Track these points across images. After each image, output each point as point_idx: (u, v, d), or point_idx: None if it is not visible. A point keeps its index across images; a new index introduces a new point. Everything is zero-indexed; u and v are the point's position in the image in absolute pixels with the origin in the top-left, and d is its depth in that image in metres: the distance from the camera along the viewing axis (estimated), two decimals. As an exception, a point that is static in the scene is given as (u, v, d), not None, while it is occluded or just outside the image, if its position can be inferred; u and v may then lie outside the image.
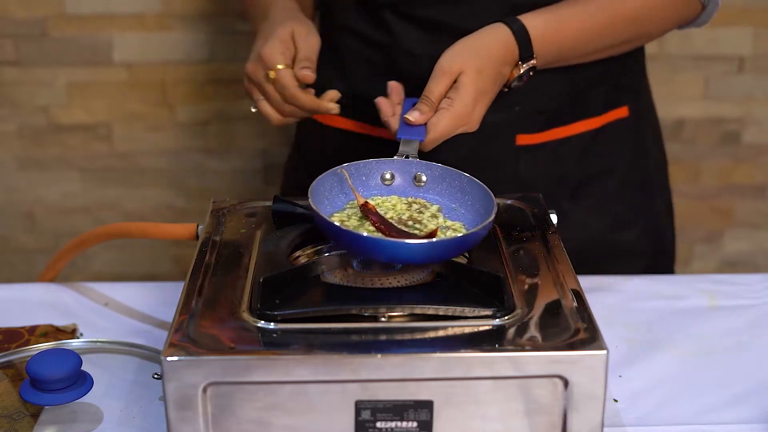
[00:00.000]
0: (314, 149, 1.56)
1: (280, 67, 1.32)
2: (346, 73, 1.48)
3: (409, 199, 1.17)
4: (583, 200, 1.48)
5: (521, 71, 1.28)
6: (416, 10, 1.38)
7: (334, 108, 1.34)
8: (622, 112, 1.49)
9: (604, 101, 1.46)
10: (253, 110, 1.38)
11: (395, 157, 1.18)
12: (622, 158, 1.50)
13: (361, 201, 1.13)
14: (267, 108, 1.36)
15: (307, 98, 1.33)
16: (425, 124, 1.21)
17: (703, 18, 1.41)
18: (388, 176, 1.18)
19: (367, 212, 1.11)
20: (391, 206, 1.15)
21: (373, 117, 1.46)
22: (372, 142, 1.46)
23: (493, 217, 1.07)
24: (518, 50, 1.27)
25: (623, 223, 1.52)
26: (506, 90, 1.30)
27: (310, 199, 1.08)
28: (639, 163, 1.52)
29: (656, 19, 1.37)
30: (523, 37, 1.27)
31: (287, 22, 1.37)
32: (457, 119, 1.21)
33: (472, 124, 1.24)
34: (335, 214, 1.13)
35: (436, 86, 1.22)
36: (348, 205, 1.15)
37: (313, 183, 1.12)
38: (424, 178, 1.17)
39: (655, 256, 1.57)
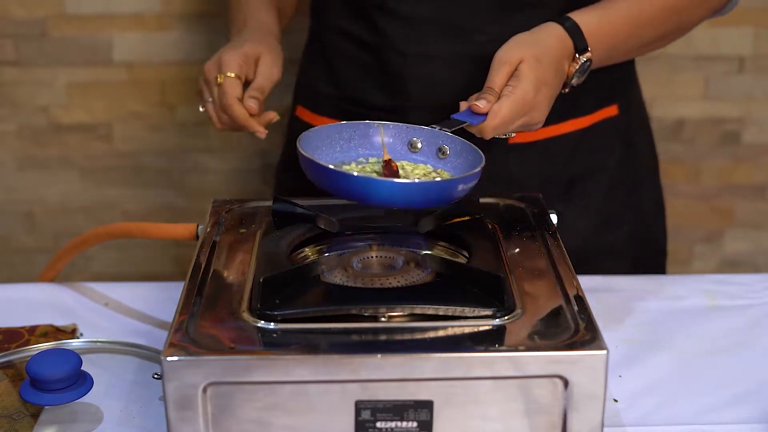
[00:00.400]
0: None
1: (230, 74, 1.33)
2: (335, 74, 1.48)
3: (433, 169, 1.18)
4: (573, 199, 1.48)
5: (578, 65, 1.28)
6: (403, 6, 1.38)
7: (261, 132, 1.34)
8: (611, 110, 1.49)
9: (594, 100, 1.46)
10: (201, 110, 1.39)
11: (429, 127, 1.18)
12: (612, 157, 1.50)
13: (387, 157, 1.14)
14: (211, 110, 1.37)
15: (241, 112, 1.32)
16: (486, 113, 1.20)
17: (730, 6, 1.42)
18: (419, 144, 1.19)
19: (386, 168, 1.12)
20: (411, 169, 1.17)
21: (362, 117, 1.46)
22: None
23: (473, 171, 1.08)
24: (572, 43, 1.27)
25: (611, 223, 1.52)
26: (566, 90, 1.30)
27: (303, 137, 1.11)
28: (628, 161, 1.53)
29: (696, 8, 1.38)
30: (575, 31, 1.27)
31: (260, 46, 1.38)
32: (519, 105, 1.20)
33: (536, 115, 1.23)
34: (350, 164, 1.16)
35: (497, 76, 1.21)
36: (363, 160, 1.17)
37: (323, 126, 1.16)
38: (447, 151, 1.18)
39: (644, 255, 1.57)
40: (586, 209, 1.49)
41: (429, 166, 1.18)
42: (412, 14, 1.38)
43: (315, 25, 1.54)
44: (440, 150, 1.18)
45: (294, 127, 1.58)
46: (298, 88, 1.59)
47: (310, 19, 1.56)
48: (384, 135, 1.19)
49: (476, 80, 1.36)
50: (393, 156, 1.18)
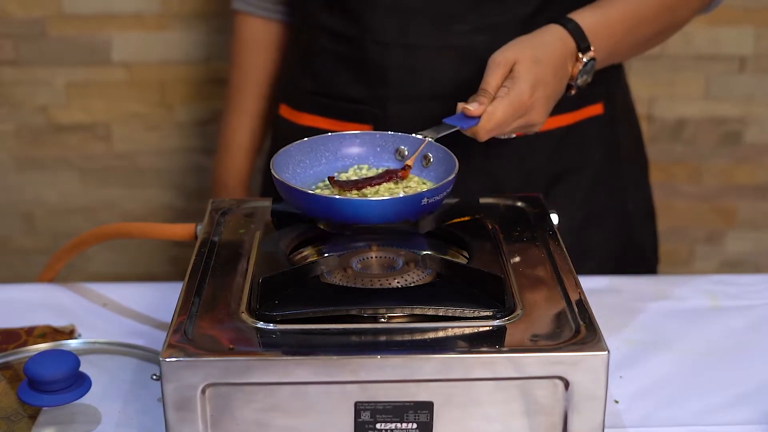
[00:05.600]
0: None
1: None
2: (313, 69, 1.48)
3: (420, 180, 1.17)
4: (554, 197, 1.47)
5: (582, 65, 1.27)
6: None
7: None
8: (596, 108, 1.48)
9: (578, 97, 1.45)
10: None
11: (416, 134, 1.17)
12: (595, 156, 1.50)
13: (410, 162, 1.15)
14: None
15: None
16: (479, 116, 1.18)
17: (714, 4, 1.42)
18: (406, 153, 1.17)
19: (390, 173, 1.13)
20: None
21: (343, 112, 1.46)
22: None
23: (440, 184, 1.08)
24: (574, 42, 1.26)
25: (593, 223, 1.51)
26: (573, 92, 1.29)
27: (281, 153, 1.13)
28: (612, 161, 1.52)
29: (686, 4, 1.38)
30: (577, 31, 1.27)
31: None
32: (515, 107, 1.18)
33: (534, 116, 1.22)
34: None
35: (492, 78, 1.19)
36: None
37: (305, 140, 1.17)
38: (431, 159, 1.17)
39: (628, 258, 1.55)
40: (568, 207, 1.48)
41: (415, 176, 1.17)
42: (393, 3, 1.38)
43: (294, 23, 1.54)
44: (425, 158, 1.17)
45: (278, 126, 1.59)
46: (281, 86, 1.60)
47: (290, 17, 1.56)
48: (371, 144, 1.18)
49: (458, 70, 1.36)
50: (377, 163, 1.18)
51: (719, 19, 1.48)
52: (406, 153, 1.18)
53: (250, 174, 1.69)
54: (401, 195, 1.11)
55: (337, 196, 1.08)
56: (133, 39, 2.04)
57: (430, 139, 1.16)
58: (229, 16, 1.64)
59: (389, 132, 1.19)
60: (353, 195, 1.11)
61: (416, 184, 1.16)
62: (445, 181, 1.09)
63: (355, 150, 1.18)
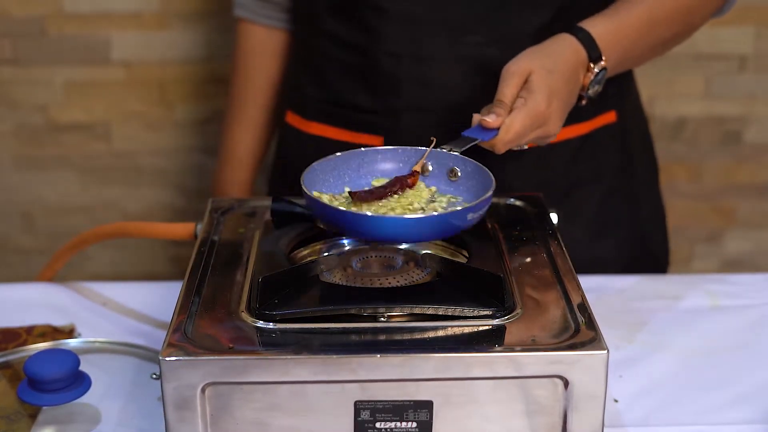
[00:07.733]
0: (294, 157, 1.53)
1: None
2: (324, 79, 1.46)
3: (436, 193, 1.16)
4: (569, 207, 1.46)
5: (593, 75, 1.26)
6: (398, 5, 1.36)
7: None
8: (610, 117, 1.48)
9: (592, 106, 1.43)
10: None
11: (439, 148, 1.15)
12: (609, 165, 1.49)
13: (417, 168, 1.14)
14: None
15: None
16: (497, 128, 1.16)
17: (728, 6, 1.41)
18: (430, 167, 1.16)
19: (400, 180, 1.11)
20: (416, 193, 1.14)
21: (353, 123, 1.45)
22: (352, 149, 1.44)
23: (473, 203, 1.05)
24: (586, 52, 1.25)
25: (606, 232, 1.50)
26: (584, 102, 1.28)
27: (308, 171, 1.10)
28: (625, 170, 1.51)
29: (701, 8, 1.37)
30: (588, 41, 1.26)
31: None
32: (532, 118, 1.17)
33: (550, 127, 1.20)
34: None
35: (507, 89, 1.18)
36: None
37: (330, 158, 1.14)
38: (458, 173, 1.15)
39: (640, 265, 1.55)
40: (582, 218, 1.47)
41: (445, 193, 1.15)
42: (406, 14, 1.37)
43: (300, 31, 1.53)
44: (451, 171, 1.15)
45: (284, 133, 1.57)
46: (288, 93, 1.58)
47: (295, 26, 1.55)
48: (394, 160, 1.16)
49: (471, 82, 1.35)
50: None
51: (719, 18, 1.47)
52: (430, 168, 1.16)
53: (253, 185, 1.68)
54: (435, 213, 1.06)
55: (372, 214, 1.05)
56: (133, 38, 2.04)
57: (455, 151, 1.14)
58: (230, 16, 1.63)
59: (412, 147, 1.17)
60: (374, 210, 1.09)
61: (428, 194, 1.14)
62: (486, 195, 1.06)
63: (377, 166, 1.16)
